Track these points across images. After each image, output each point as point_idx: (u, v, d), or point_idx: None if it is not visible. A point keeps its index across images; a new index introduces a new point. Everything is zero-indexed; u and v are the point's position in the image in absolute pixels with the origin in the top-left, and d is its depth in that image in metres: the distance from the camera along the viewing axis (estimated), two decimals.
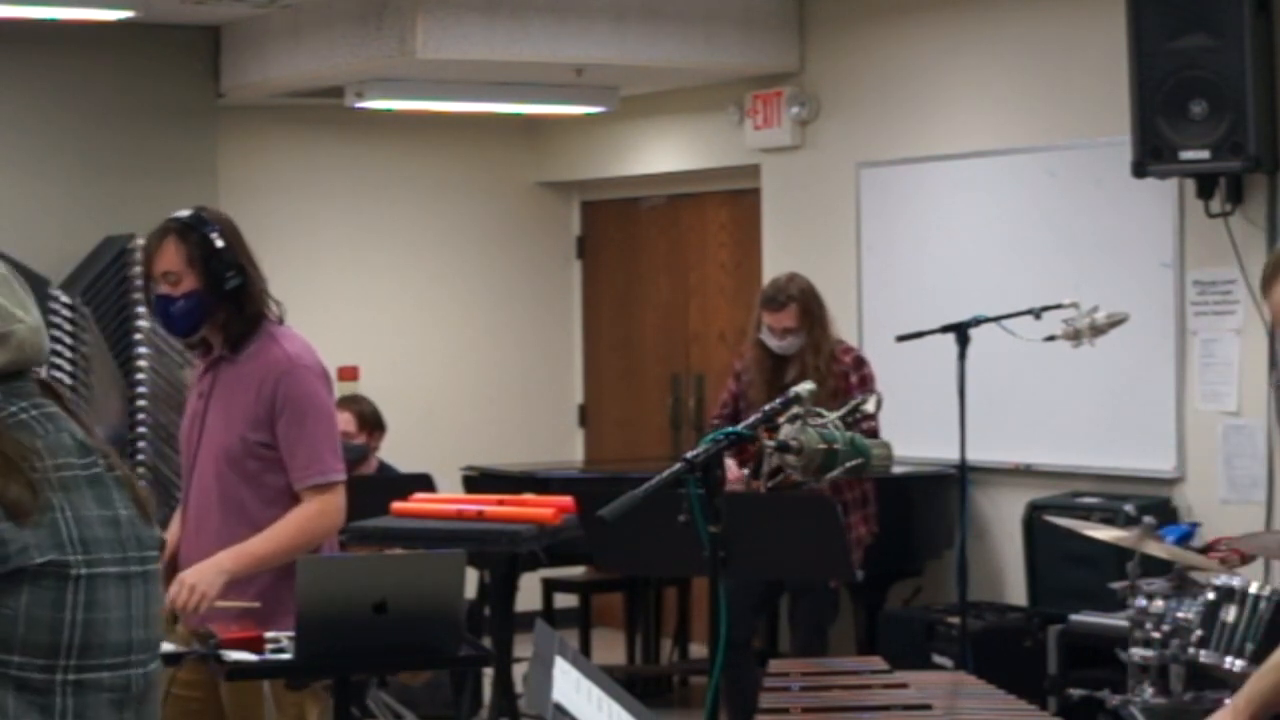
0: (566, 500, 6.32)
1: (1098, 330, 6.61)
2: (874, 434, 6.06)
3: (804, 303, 7.09)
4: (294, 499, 4.68)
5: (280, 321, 4.79)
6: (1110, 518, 7.06)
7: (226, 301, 4.69)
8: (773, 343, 7.11)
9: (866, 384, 7.06)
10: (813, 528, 5.57)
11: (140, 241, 8.95)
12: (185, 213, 4.77)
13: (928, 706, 4.11)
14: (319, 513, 4.66)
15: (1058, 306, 6.66)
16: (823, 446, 4.15)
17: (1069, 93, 7.85)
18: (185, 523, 4.78)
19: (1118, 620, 6.31)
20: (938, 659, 7.41)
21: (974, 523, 8.04)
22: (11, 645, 2.39)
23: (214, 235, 4.69)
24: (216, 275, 4.67)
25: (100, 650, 2.45)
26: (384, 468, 8.05)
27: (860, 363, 7.18)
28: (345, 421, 7.87)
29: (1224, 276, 7.29)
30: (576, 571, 9.31)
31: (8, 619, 2.39)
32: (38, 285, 8.83)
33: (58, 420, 2.53)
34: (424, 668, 6.57)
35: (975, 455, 6.93)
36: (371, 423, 8.00)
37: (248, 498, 4.66)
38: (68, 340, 8.81)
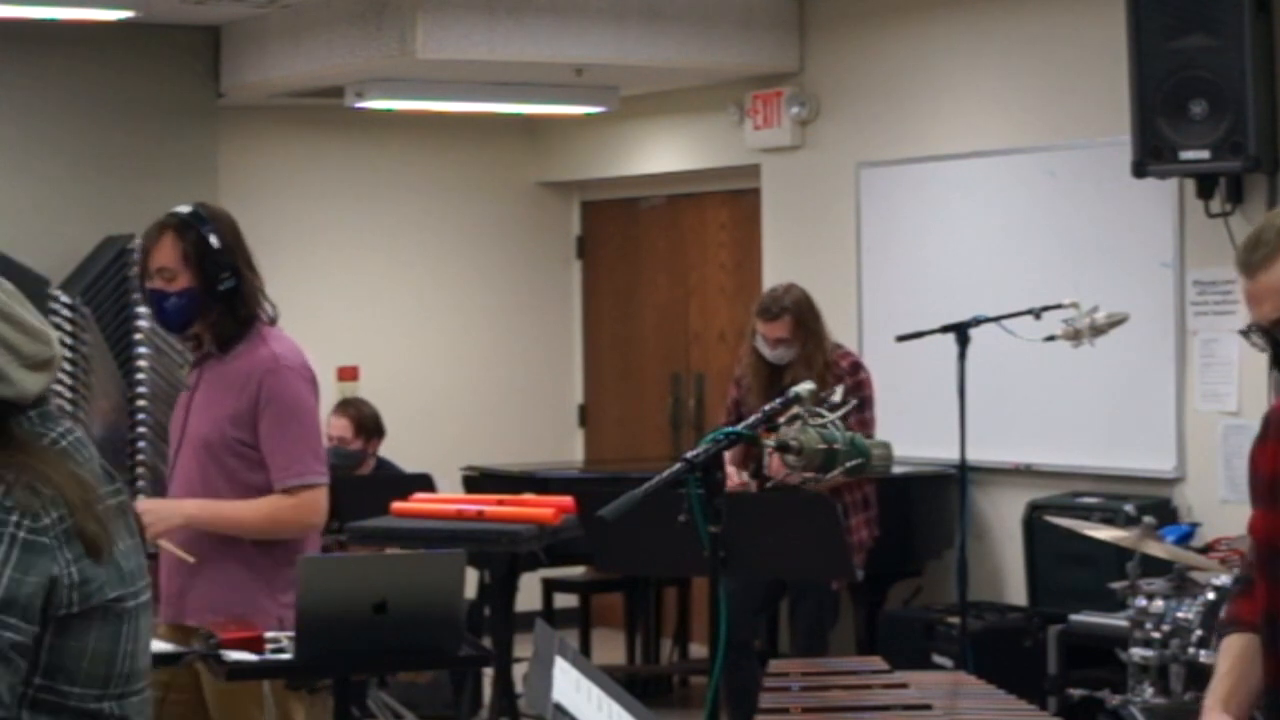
0: (566, 500, 6.32)
1: (1098, 330, 6.61)
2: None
3: (798, 315, 7.07)
4: (270, 494, 4.68)
5: (273, 323, 4.78)
6: (1110, 518, 7.06)
7: (219, 302, 4.69)
8: (766, 352, 7.11)
9: (860, 390, 7.04)
10: (813, 528, 5.57)
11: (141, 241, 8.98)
12: (185, 209, 4.76)
13: (928, 706, 4.11)
14: (294, 506, 4.66)
15: (1058, 306, 6.66)
16: (823, 446, 4.14)
17: (1069, 93, 7.85)
18: None
19: (1118, 620, 6.32)
20: (938, 659, 7.41)
21: (974, 523, 8.04)
22: (75, 678, 2.43)
23: (211, 235, 4.68)
24: (211, 275, 4.67)
25: (139, 676, 2.51)
26: (383, 465, 8.04)
27: (856, 369, 7.16)
28: (342, 427, 7.87)
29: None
30: (576, 571, 9.31)
31: (76, 654, 2.43)
32: (38, 285, 8.83)
33: (86, 446, 2.59)
34: (424, 668, 6.58)
35: (975, 455, 6.93)
36: (370, 428, 7.98)
37: (225, 491, 4.67)
38: (68, 340, 8.81)
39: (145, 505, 4.61)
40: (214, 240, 4.68)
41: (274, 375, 4.67)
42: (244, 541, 4.66)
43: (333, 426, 7.78)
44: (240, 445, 4.66)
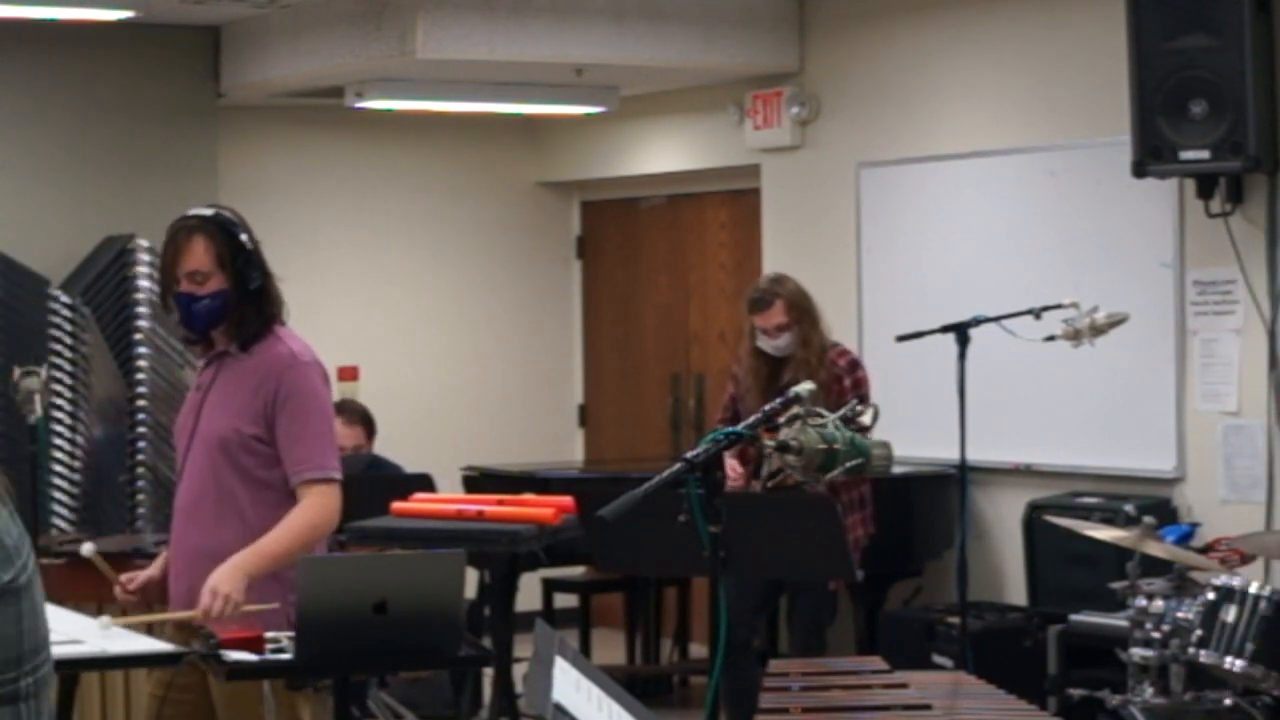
0: (566, 500, 6.32)
1: (1098, 330, 6.61)
2: None
3: (789, 298, 7.09)
4: (284, 492, 4.68)
5: (282, 322, 4.80)
6: (1110, 518, 7.05)
7: (249, 302, 4.69)
8: (767, 344, 7.10)
9: (859, 388, 7.04)
10: (813, 528, 5.57)
11: (141, 242, 8.97)
12: (208, 211, 4.76)
13: (928, 706, 4.11)
14: (322, 508, 4.68)
15: (1058, 306, 6.66)
16: (823, 446, 4.15)
17: (1069, 93, 7.85)
18: (176, 512, 4.79)
19: (1118, 620, 6.31)
20: (938, 659, 7.41)
21: (974, 523, 8.04)
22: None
23: (243, 236, 4.70)
24: (243, 276, 4.68)
25: (44, 647, 2.52)
26: (377, 463, 8.00)
27: (854, 366, 7.17)
28: (355, 435, 7.82)
29: (1224, 276, 7.29)
30: (576, 571, 9.31)
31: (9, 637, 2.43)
32: (38, 285, 8.84)
33: None
34: (424, 668, 6.57)
35: (975, 455, 6.93)
36: (371, 427, 8.01)
37: (239, 488, 4.67)
38: (68, 340, 8.81)
39: (218, 582, 4.56)
40: (246, 241, 4.69)
41: (291, 371, 4.68)
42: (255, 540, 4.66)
43: (344, 436, 7.70)
44: (255, 442, 4.66)
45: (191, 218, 4.73)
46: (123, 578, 4.80)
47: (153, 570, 4.86)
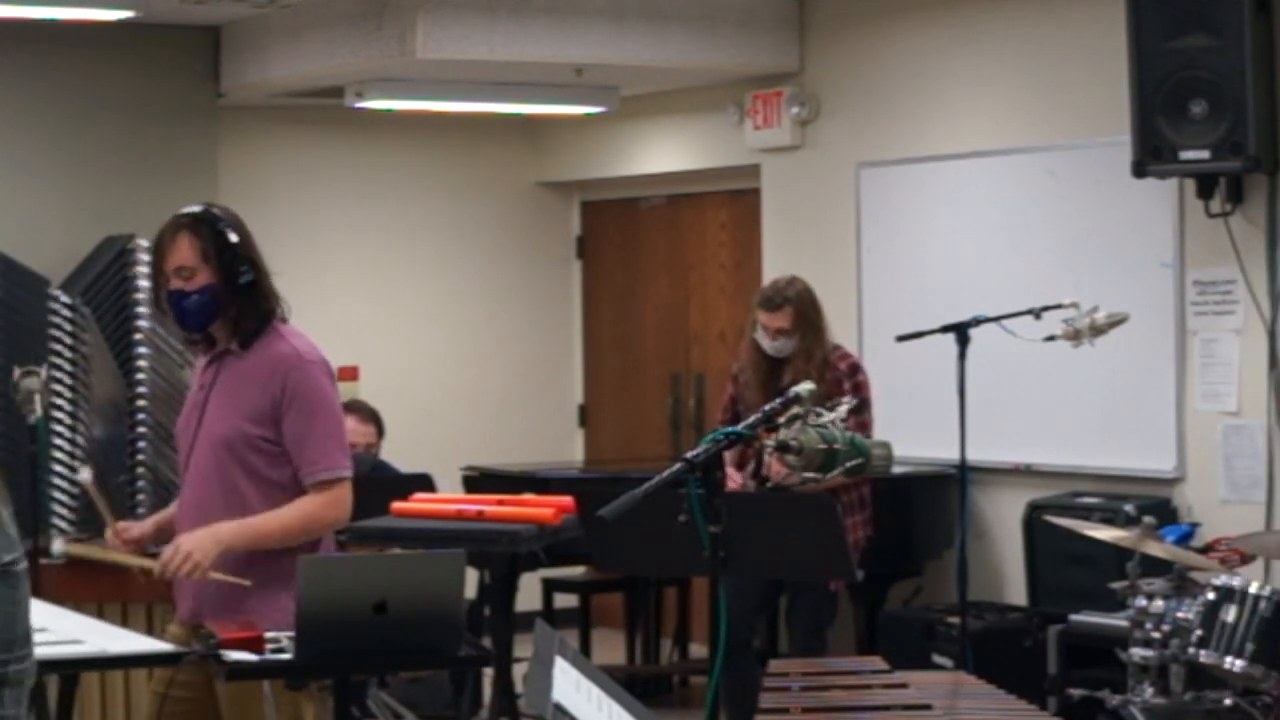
0: (566, 500, 6.32)
1: (1098, 330, 6.61)
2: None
3: (800, 306, 7.07)
4: (293, 490, 4.68)
5: (284, 320, 4.79)
6: (1110, 518, 7.06)
7: (239, 296, 4.70)
8: (766, 343, 7.10)
9: (859, 392, 7.04)
10: (813, 528, 5.57)
11: (141, 242, 8.97)
12: (195, 208, 4.78)
13: (928, 706, 4.12)
14: (326, 505, 4.67)
15: (1058, 306, 6.66)
16: (823, 446, 4.15)
17: (1069, 93, 7.86)
18: (182, 513, 4.79)
19: (1118, 620, 6.32)
20: (938, 659, 7.41)
21: (974, 523, 8.04)
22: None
23: (227, 230, 4.70)
24: (230, 270, 4.68)
25: (29, 638, 2.53)
26: (380, 466, 8.03)
27: (855, 370, 7.15)
28: (368, 434, 7.84)
29: (1224, 276, 7.29)
30: (576, 571, 9.31)
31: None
32: (38, 285, 8.84)
33: None
34: (424, 668, 6.58)
35: (975, 455, 6.93)
36: (381, 427, 8.03)
37: (247, 489, 4.67)
38: (68, 340, 8.81)
39: (185, 542, 4.60)
40: (231, 235, 4.70)
41: (297, 371, 4.68)
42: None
43: (358, 434, 7.72)
44: (262, 441, 4.66)
45: (179, 216, 4.76)
46: (118, 526, 4.81)
47: (147, 525, 4.86)
